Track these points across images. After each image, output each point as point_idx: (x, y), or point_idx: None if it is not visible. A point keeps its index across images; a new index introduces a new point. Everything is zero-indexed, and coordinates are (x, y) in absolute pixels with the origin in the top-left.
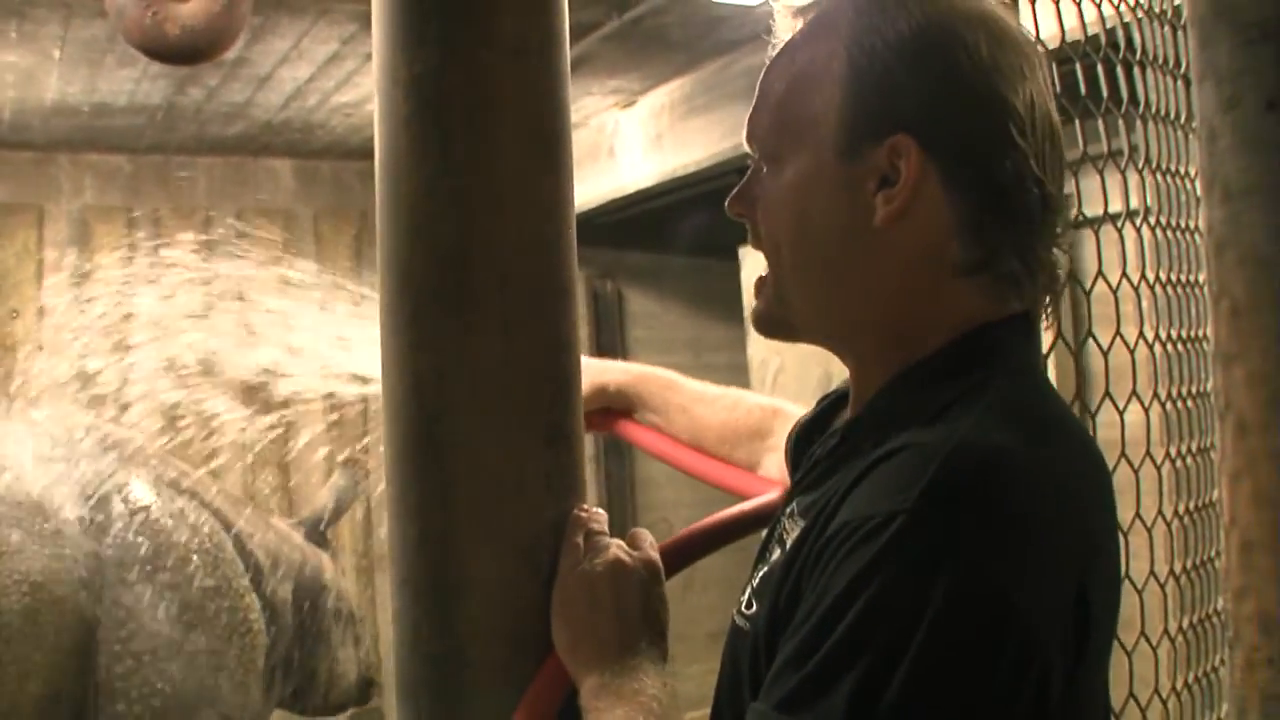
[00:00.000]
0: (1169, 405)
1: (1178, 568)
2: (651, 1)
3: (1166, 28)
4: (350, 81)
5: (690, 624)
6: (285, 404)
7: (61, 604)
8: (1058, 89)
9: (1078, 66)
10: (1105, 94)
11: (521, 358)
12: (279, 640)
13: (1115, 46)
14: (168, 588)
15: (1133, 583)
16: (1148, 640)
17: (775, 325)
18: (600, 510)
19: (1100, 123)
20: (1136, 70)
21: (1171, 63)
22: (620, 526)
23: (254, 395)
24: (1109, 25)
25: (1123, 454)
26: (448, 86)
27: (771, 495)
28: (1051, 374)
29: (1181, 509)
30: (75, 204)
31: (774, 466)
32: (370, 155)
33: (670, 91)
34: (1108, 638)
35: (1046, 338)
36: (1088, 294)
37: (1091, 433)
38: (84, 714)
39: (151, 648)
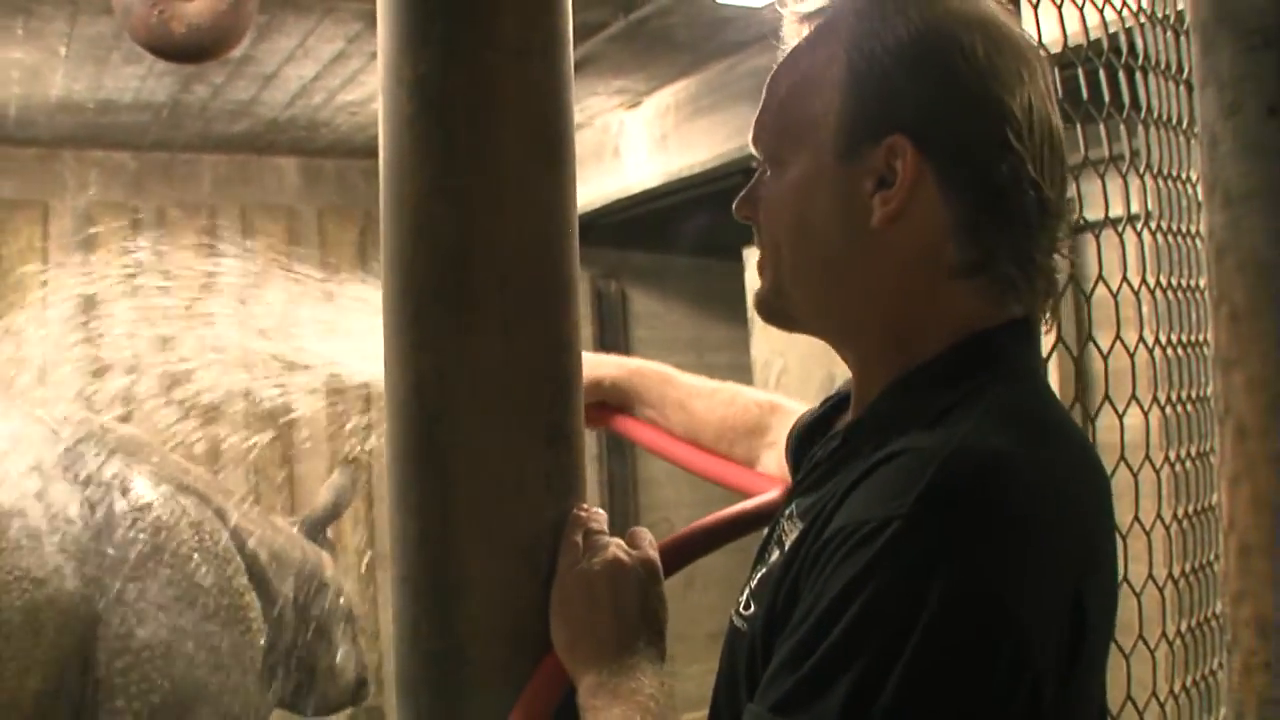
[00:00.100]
0: (1169, 409)
1: (1176, 571)
2: (657, 2)
3: (1169, 33)
4: (355, 80)
5: (691, 624)
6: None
7: (62, 600)
8: (1059, 93)
9: (1079, 71)
10: (1107, 98)
11: (522, 358)
12: (279, 638)
13: (1117, 51)
14: (168, 585)
15: (1131, 586)
16: (1146, 643)
17: (774, 314)
18: (599, 509)
19: (1102, 127)
20: (1138, 75)
21: (1174, 68)
22: (622, 526)
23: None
24: (1111, 30)
25: (1122, 457)
26: (451, 87)
27: (772, 494)
28: (1052, 377)
29: (1180, 513)
30: (80, 200)
31: (773, 463)
32: (375, 154)
33: (675, 92)
34: (1104, 642)
35: (1046, 342)
36: (1088, 298)
37: (1091, 437)
38: (83, 710)
39: (151, 644)
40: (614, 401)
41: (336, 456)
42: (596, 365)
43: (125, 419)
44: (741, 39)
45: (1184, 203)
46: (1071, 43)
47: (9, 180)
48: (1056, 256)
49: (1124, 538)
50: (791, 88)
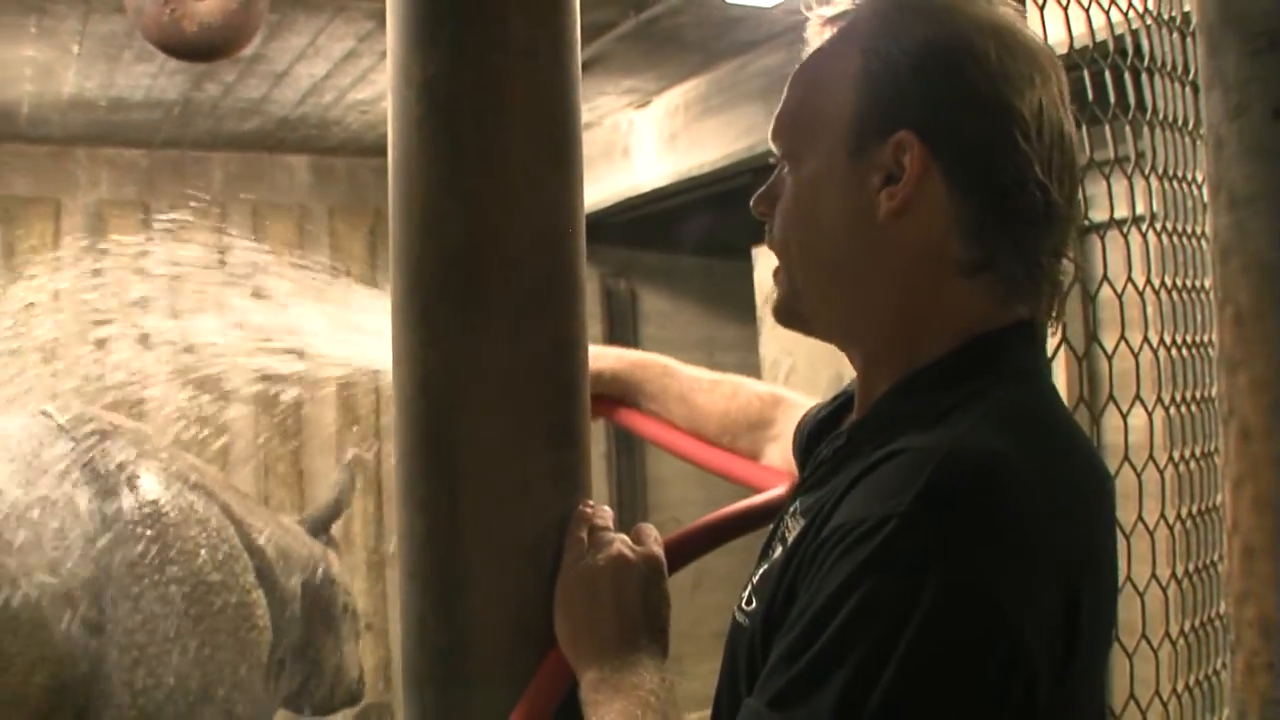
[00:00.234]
0: (1173, 410)
1: (1180, 571)
2: (667, 2)
3: (1175, 34)
4: (366, 79)
5: (698, 623)
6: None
7: (68, 597)
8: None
9: (1085, 73)
10: (1113, 100)
11: (529, 356)
12: (285, 636)
13: (1124, 53)
14: (174, 581)
15: (1135, 585)
16: (1149, 642)
17: (790, 316)
18: (605, 506)
19: (1107, 128)
20: (1144, 77)
21: (1180, 69)
22: (630, 525)
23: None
24: (1118, 32)
25: (1126, 458)
26: (459, 88)
27: (776, 491)
28: (1057, 378)
29: (1184, 513)
30: (91, 197)
31: (777, 456)
32: (385, 152)
33: (685, 92)
34: (1103, 643)
35: (1052, 343)
36: (1093, 299)
37: (1097, 438)
38: (89, 706)
39: (156, 641)
40: (615, 394)
41: (345, 453)
42: (598, 357)
43: (134, 415)
44: (751, 38)
45: (1189, 204)
46: (1077, 44)
47: (22, 177)
48: (1063, 260)
49: (1128, 538)
50: (810, 86)
